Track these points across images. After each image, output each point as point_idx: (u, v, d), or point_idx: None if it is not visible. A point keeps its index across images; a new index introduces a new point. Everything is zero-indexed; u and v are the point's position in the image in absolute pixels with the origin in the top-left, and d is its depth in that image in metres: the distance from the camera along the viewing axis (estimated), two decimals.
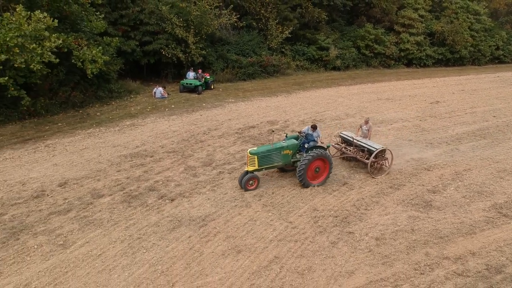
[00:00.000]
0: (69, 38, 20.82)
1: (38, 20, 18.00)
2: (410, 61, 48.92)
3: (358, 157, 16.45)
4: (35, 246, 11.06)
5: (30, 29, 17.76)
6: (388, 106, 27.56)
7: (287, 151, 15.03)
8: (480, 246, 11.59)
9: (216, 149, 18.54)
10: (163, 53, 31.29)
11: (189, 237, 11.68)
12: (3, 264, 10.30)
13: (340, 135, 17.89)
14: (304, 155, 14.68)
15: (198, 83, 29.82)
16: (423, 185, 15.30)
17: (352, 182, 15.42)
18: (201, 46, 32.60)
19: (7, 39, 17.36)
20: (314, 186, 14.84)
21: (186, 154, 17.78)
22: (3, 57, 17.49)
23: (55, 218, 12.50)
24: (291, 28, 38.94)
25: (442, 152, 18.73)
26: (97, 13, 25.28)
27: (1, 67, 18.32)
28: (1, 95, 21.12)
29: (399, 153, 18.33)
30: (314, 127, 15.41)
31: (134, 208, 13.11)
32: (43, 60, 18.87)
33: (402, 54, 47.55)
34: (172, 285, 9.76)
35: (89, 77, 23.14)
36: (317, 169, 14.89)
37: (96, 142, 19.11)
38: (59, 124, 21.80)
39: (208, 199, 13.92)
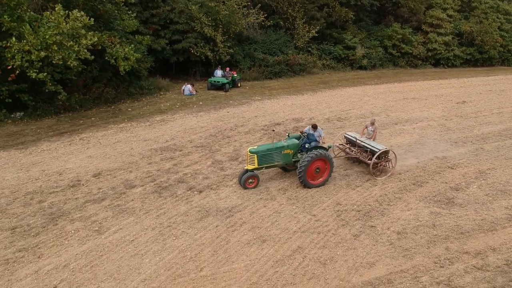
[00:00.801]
0: (103, 36, 21.68)
1: (76, 18, 18.89)
2: (437, 61, 48.43)
3: (361, 158, 16.35)
4: (72, 231, 11.80)
5: (68, 28, 18.67)
6: (413, 105, 27.59)
7: (288, 151, 15.02)
8: (501, 243, 11.77)
9: (242, 144, 19.06)
10: (192, 51, 32.03)
11: (216, 226, 12.25)
12: (44, 247, 11.06)
13: (344, 136, 17.82)
14: (305, 155, 14.68)
15: (225, 81, 30.43)
16: (446, 182, 15.48)
17: (375, 179, 15.71)
18: (229, 44, 33.20)
19: (47, 37, 18.29)
20: (314, 187, 14.81)
21: (214, 149, 18.38)
22: (42, 54, 18.43)
23: (90, 206, 13.25)
24: (318, 27, 39.18)
25: (466, 151, 18.80)
26: (129, 12, 26.17)
27: (41, 64, 19.26)
28: (39, 90, 22.19)
29: (423, 151, 18.53)
30: (314, 127, 15.38)
31: (164, 198, 13.76)
32: (79, 57, 19.78)
33: (430, 54, 47.10)
34: (200, 270, 10.33)
35: (121, 74, 24.01)
36: (318, 170, 14.81)
37: (128, 136, 19.91)
38: (93, 118, 22.76)
39: (235, 191, 14.46)
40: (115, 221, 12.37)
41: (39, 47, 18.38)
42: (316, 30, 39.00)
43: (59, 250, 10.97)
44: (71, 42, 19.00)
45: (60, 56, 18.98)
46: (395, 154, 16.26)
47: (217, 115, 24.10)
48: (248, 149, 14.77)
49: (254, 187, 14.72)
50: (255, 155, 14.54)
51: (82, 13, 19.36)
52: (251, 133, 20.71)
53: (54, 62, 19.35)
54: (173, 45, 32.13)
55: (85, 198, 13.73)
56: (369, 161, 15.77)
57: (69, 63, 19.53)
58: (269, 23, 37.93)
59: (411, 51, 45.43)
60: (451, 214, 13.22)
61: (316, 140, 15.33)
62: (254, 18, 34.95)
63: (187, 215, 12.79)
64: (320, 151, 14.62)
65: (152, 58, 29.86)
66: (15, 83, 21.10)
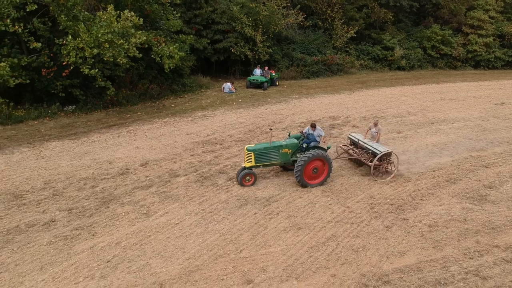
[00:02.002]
0: (150, 35, 22.90)
1: (126, 18, 20.13)
2: (477, 63, 47.53)
3: (362, 159, 16.21)
4: (123, 214, 12.87)
5: (119, 27, 19.93)
6: (451, 106, 27.58)
7: (286, 150, 15.11)
8: None
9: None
10: (232, 51, 33.04)
11: (254, 213, 13.04)
12: (97, 226, 12.15)
13: (348, 137, 17.85)
14: (302, 155, 14.69)
15: (264, 79, 31.26)
16: (479, 180, 15.72)
17: (409, 175, 16.12)
18: (268, 44, 34.02)
19: (99, 35, 19.60)
20: (312, 187, 14.82)
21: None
22: (95, 51, 19.76)
23: (138, 192, 14.32)
24: (356, 28, 39.47)
25: (502, 151, 18.87)
26: (174, 12, 27.37)
27: (93, 60, 20.63)
28: (89, 85, 23.67)
29: (458, 150, 18.76)
30: (313, 126, 15.42)
31: (206, 187, 14.68)
32: (128, 54, 21.03)
33: (470, 55, 46.33)
34: (240, 251, 11.14)
35: (166, 72, 25.22)
36: (315, 170, 14.77)
37: (171, 130, 21.02)
38: (139, 113, 24.06)
39: (272, 183, 15.23)
40: (161, 205, 13.36)
41: (92, 45, 19.72)
42: (355, 30, 39.30)
43: (111, 229, 12.03)
44: (121, 41, 20.27)
45: (111, 54, 20.27)
46: (397, 157, 16.14)
47: (256, 112, 24.95)
48: (246, 147, 15.07)
49: (251, 185, 14.90)
50: (252, 153, 14.72)
51: (132, 13, 20.59)
52: (288, 129, 21.42)
53: (105, 59, 20.68)
54: (214, 45, 33.23)
55: (133, 184, 14.83)
56: (370, 163, 15.70)
57: (118, 60, 20.81)
58: (308, 24, 38.53)
59: (450, 53, 44.93)
60: (483, 210, 13.52)
61: (315, 140, 15.38)
62: (293, 19, 35.63)
63: (227, 203, 13.64)
64: (318, 151, 14.63)
65: (194, 57, 31.11)
66: (68, 79, 22.63)
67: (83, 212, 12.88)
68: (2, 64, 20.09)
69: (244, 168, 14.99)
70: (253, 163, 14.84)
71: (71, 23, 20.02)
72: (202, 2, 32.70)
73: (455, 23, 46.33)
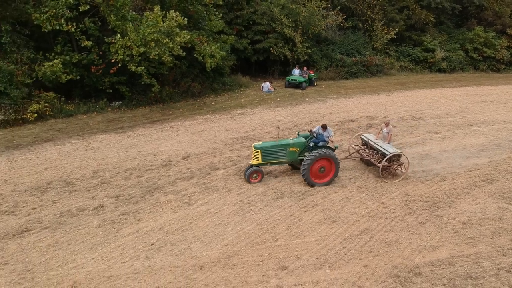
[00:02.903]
0: (194, 35, 23.77)
1: (171, 18, 21.03)
2: None
3: (371, 160, 16.22)
4: (166, 202, 13.66)
5: (165, 26, 20.84)
6: (491, 108, 27.14)
7: (294, 149, 15.22)
8: None
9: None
10: (272, 51, 33.58)
11: (290, 206, 13.56)
12: (142, 212, 12.98)
13: (360, 137, 17.81)
14: (309, 153, 14.78)
15: (302, 79, 31.65)
16: None
17: (445, 174, 16.22)
18: (307, 45, 34.37)
19: (146, 34, 20.56)
20: (319, 186, 14.87)
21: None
22: (141, 49, 20.74)
23: (180, 182, 15.10)
24: (396, 29, 39.22)
25: None
26: (216, 13, 28.18)
27: (139, 58, 21.67)
28: (135, 82, 24.79)
29: (496, 152, 18.66)
30: (324, 127, 15.44)
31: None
32: (173, 53, 21.94)
33: None
34: (276, 240, 11.70)
35: (207, 71, 26.04)
36: (322, 169, 14.84)
37: (211, 126, 21.80)
38: (181, 110, 25.02)
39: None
40: (201, 195, 14.08)
41: (139, 43, 20.71)
42: (395, 32, 39.05)
43: (155, 216, 12.83)
44: (167, 40, 21.17)
45: (156, 52, 21.20)
46: (407, 158, 15.92)
47: (293, 110, 25.43)
48: (253, 144, 15.26)
49: (259, 182, 15.14)
50: (259, 150, 14.85)
51: (177, 13, 21.47)
52: None
53: (150, 57, 21.64)
54: (254, 45, 33.87)
55: (176, 176, 15.63)
56: (378, 164, 15.63)
57: (163, 58, 21.74)
58: (347, 25, 38.62)
59: (493, 55, 43.75)
60: None
61: (324, 140, 15.47)
62: (333, 20, 35.82)
63: (264, 195, 14.22)
64: (325, 150, 14.74)
65: (235, 57, 31.87)
66: (116, 76, 23.80)
67: (129, 199, 13.75)
68: (56, 61, 21.48)
69: (252, 165, 15.24)
70: (260, 161, 14.98)
71: (119, 22, 21.09)
72: (244, 3, 33.40)
73: (499, 25, 45.14)
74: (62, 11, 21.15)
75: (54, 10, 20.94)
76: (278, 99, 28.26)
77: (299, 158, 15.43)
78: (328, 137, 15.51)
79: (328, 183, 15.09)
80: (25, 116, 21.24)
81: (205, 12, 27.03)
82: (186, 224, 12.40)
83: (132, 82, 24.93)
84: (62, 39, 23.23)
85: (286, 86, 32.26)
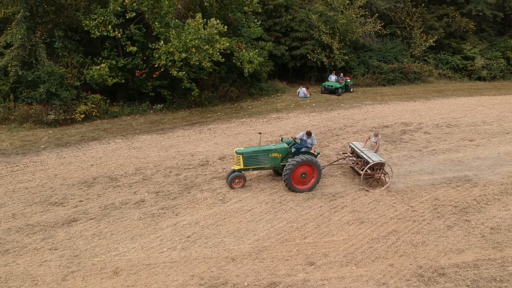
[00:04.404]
0: (233, 41, 24.68)
1: (212, 25, 22.01)
2: None
3: (355, 167, 16.26)
4: (202, 198, 14.45)
5: (206, 33, 21.84)
6: None
7: (276, 154, 15.22)
8: None
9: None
10: (309, 57, 34.16)
11: (320, 206, 14.08)
12: (180, 208, 13.81)
13: (349, 145, 17.76)
14: (290, 159, 14.78)
15: (338, 85, 32.01)
16: None
17: (476, 180, 16.31)
18: (344, 51, 34.71)
19: (187, 41, 21.61)
20: (301, 192, 14.88)
21: (323, 144, 20.21)
22: (183, 55, 21.81)
23: (216, 181, 15.87)
24: (436, 37, 38.90)
25: None
26: (255, 20, 29.07)
27: (181, 64, 22.74)
28: (176, 86, 25.92)
29: None
30: (308, 134, 15.49)
31: (277, 181, 15.91)
32: (212, 59, 22.90)
33: None
34: (305, 238, 12.26)
35: (245, 76, 26.93)
36: (304, 175, 14.83)
37: (247, 129, 22.57)
38: (218, 113, 25.95)
39: (339, 181, 16.17)
40: (235, 194, 14.78)
41: (181, 49, 21.78)
42: (434, 39, 38.76)
43: (192, 211, 13.63)
44: (207, 46, 22.15)
45: (197, 58, 22.22)
46: (391, 168, 15.91)
47: (328, 116, 25.88)
48: (235, 149, 15.34)
49: (241, 187, 15.21)
50: (241, 156, 14.87)
51: (218, 21, 22.44)
52: (359, 133, 22.16)
53: (191, 62, 22.69)
54: (291, 51, 34.54)
55: (212, 175, 16.43)
56: (360, 171, 15.62)
57: (203, 64, 22.76)
58: (385, 32, 38.72)
59: None
60: None
61: (307, 147, 15.57)
62: (371, 27, 36.02)
63: (295, 195, 14.78)
64: (307, 156, 14.74)
65: (272, 63, 32.63)
66: (158, 80, 24.99)
67: (168, 195, 14.63)
68: (103, 65, 22.86)
69: (234, 170, 15.28)
70: (242, 166, 14.99)
71: (163, 29, 22.25)
72: (282, 11, 34.13)
73: None
74: (110, 18, 22.54)
75: (102, 17, 22.39)
76: (314, 104, 28.77)
77: (282, 164, 15.39)
78: (311, 144, 15.61)
79: (310, 189, 15.12)
80: (73, 116, 22.67)
81: (244, 19, 27.97)
82: (220, 220, 13.13)
83: (173, 86, 26.07)
84: (109, 44, 24.64)
85: (322, 92, 32.70)
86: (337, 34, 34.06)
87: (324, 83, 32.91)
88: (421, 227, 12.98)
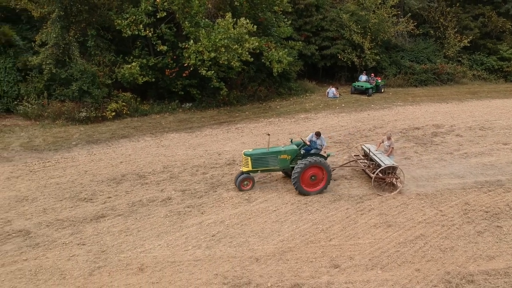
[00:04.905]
0: (262, 41, 24.68)
1: (242, 25, 22.07)
2: None
3: (366, 170, 15.94)
4: (228, 198, 14.49)
5: (235, 33, 21.91)
6: None
7: (285, 156, 14.92)
8: None
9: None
10: (339, 57, 33.85)
11: (346, 209, 13.90)
12: (206, 206, 13.88)
13: (362, 147, 17.44)
14: (299, 161, 14.48)
15: (369, 86, 31.59)
16: None
17: (510, 185, 15.77)
18: (375, 51, 34.25)
19: (217, 40, 21.74)
20: (310, 194, 14.60)
21: (351, 146, 19.98)
22: (212, 54, 21.96)
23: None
24: (470, 37, 37.90)
25: None
26: (285, 20, 28.99)
27: (210, 63, 22.90)
28: (205, 86, 26.12)
29: None
30: (318, 134, 15.23)
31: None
32: (241, 58, 22.96)
33: None
34: (330, 240, 12.12)
35: (274, 75, 26.89)
36: (313, 177, 14.52)
37: (275, 129, 22.53)
38: (247, 112, 26.03)
39: (367, 183, 15.90)
40: (261, 194, 14.75)
41: (210, 49, 21.93)
42: (469, 40, 37.77)
43: (217, 210, 13.68)
44: (236, 46, 22.23)
45: (226, 57, 22.33)
46: (403, 172, 15.38)
47: (358, 116, 25.57)
48: (243, 151, 15.09)
49: (249, 189, 14.99)
50: (249, 157, 14.62)
51: (248, 20, 22.48)
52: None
53: (220, 62, 22.83)
54: (322, 51, 34.31)
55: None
56: (372, 175, 15.27)
57: (232, 63, 22.85)
58: (418, 32, 37.97)
59: None
60: None
61: (317, 148, 15.30)
62: (404, 27, 35.41)
63: (322, 197, 14.64)
64: (316, 158, 14.40)
65: (302, 62, 32.50)
66: (187, 79, 25.24)
67: (194, 194, 14.74)
68: (134, 64, 23.23)
69: (242, 172, 15.07)
70: (250, 168, 14.76)
71: (193, 29, 22.45)
72: (313, 10, 33.94)
73: None
74: (141, 17, 22.90)
75: (134, 17, 22.78)
76: (343, 105, 28.48)
77: (291, 165, 15.09)
78: (321, 145, 15.33)
79: (320, 192, 14.82)
80: (104, 114, 23.15)
81: (274, 19, 27.95)
82: (245, 219, 13.12)
83: (202, 85, 26.27)
84: (140, 43, 25.04)
85: (352, 92, 32.36)
86: (369, 33, 33.65)
87: (354, 83, 32.58)
88: (450, 232, 12.65)
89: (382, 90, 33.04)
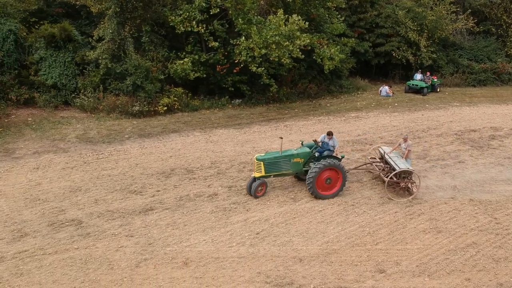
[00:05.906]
0: (314, 38, 24.40)
1: (293, 22, 21.91)
2: None
3: (380, 173, 15.42)
4: (274, 196, 14.48)
5: (286, 30, 21.78)
6: None
7: (298, 159, 14.45)
8: None
9: (432, 146, 19.61)
10: (394, 54, 32.88)
11: (395, 212, 13.54)
12: (251, 203, 13.95)
13: (378, 149, 16.67)
14: (313, 165, 14.06)
15: (424, 85, 30.54)
16: None
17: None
18: (432, 49, 33.02)
19: (268, 37, 21.69)
20: (326, 198, 14.15)
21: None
22: (263, 51, 21.94)
23: (288, 179, 15.86)
24: None
25: None
26: (338, 16, 28.52)
27: (260, 60, 22.91)
28: (255, 82, 26.17)
29: None
30: (329, 134, 14.72)
31: (351, 182, 15.53)
32: (292, 55, 22.81)
33: None
34: (376, 244, 11.85)
35: (325, 73, 26.52)
36: (328, 180, 14.12)
37: (324, 128, 22.21)
38: (296, 110, 25.88)
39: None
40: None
41: (261, 46, 21.90)
42: None
43: (262, 208, 13.70)
44: (287, 42, 22.10)
45: (276, 54, 22.24)
46: (418, 178, 14.73)
47: (411, 116, 24.82)
48: (255, 156, 14.59)
49: (263, 195, 14.50)
50: (262, 162, 14.10)
51: (299, 17, 22.29)
52: (443, 136, 20.99)
53: (271, 59, 22.81)
54: (375, 48, 33.49)
55: None
56: (385, 178, 14.73)
57: (282, 60, 22.74)
58: (478, 29, 36.23)
59: None
60: None
61: (329, 150, 14.79)
62: (463, 24, 33.90)
63: (370, 199, 14.35)
64: (330, 160, 14.00)
65: (354, 60, 31.90)
66: (238, 75, 25.39)
67: (240, 190, 14.84)
68: (186, 59, 23.62)
69: (255, 178, 14.47)
70: (263, 173, 14.24)
71: (245, 26, 22.51)
72: (368, 6, 33.20)
73: None
74: (195, 14, 23.22)
75: (187, 13, 23.13)
76: (396, 104, 27.72)
77: (304, 169, 14.71)
78: (333, 146, 14.85)
79: (335, 195, 14.44)
80: (156, 108, 23.68)
81: (327, 15, 27.55)
82: (290, 219, 13.07)
83: (252, 81, 26.34)
84: (192, 39, 25.41)
85: (406, 91, 31.40)
86: (425, 31, 32.49)
87: (408, 82, 31.59)
88: (504, 241, 12.05)
89: (438, 90, 31.84)
